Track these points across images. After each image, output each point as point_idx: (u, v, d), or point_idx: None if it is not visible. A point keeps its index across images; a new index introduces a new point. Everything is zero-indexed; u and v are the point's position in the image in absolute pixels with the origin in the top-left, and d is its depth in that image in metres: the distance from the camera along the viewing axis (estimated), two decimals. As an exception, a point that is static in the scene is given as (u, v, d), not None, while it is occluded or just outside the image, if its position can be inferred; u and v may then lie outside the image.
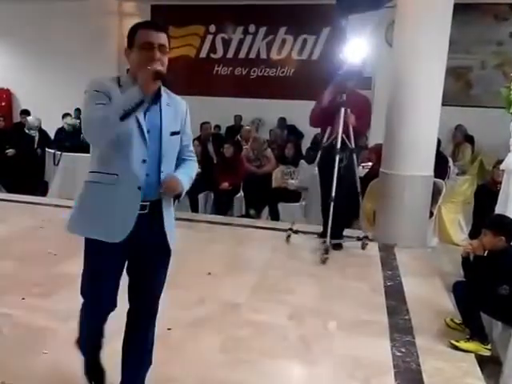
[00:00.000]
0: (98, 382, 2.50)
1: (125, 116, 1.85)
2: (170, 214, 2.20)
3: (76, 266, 4.11)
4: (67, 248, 4.60)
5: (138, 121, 1.99)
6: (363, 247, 4.87)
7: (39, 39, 11.65)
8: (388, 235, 5.02)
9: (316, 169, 5.04)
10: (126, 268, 2.24)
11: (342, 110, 4.57)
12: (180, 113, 2.22)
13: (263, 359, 2.92)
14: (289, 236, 4.99)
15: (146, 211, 2.08)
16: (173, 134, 2.14)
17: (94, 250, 2.14)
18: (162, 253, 2.24)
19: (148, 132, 2.04)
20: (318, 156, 4.90)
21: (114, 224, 2.04)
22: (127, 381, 2.36)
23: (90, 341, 2.44)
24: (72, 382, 2.62)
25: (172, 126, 2.14)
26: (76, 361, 2.76)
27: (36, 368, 2.71)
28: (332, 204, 4.54)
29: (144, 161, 2.03)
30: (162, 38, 2.09)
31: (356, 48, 4.65)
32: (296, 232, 5.04)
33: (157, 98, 2.10)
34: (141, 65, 1.98)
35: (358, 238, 4.90)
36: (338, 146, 4.55)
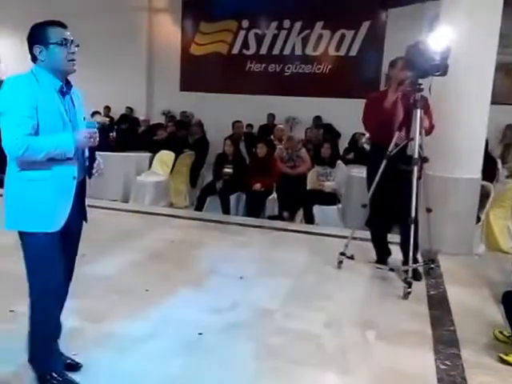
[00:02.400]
0: None
1: (49, 158, 2.27)
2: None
3: (107, 266, 4.24)
4: (95, 249, 4.72)
5: (62, 115, 2.35)
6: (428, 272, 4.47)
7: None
8: (431, 241, 4.93)
9: (363, 174, 4.64)
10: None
11: (418, 111, 3.99)
12: (81, 99, 2.58)
13: (297, 368, 2.90)
14: (341, 262, 4.52)
15: (75, 193, 2.42)
16: (84, 119, 2.54)
17: (39, 243, 2.37)
18: (82, 224, 2.63)
19: (70, 121, 2.40)
20: (381, 167, 4.16)
21: (54, 214, 2.35)
22: None
23: (49, 343, 2.57)
24: (106, 378, 2.67)
25: (81, 111, 2.52)
26: (103, 361, 2.83)
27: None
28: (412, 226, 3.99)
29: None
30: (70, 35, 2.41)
31: (441, 36, 3.95)
32: (350, 258, 4.55)
33: (69, 86, 2.44)
34: (64, 60, 2.34)
35: (425, 262, 4.48)
36: (416, 154, 3.99)
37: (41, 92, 2.29)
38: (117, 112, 11.48)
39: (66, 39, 2.36)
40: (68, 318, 3.27)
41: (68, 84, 2.44)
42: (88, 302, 3.56)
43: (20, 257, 2.48)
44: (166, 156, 7.60)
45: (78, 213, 2.51)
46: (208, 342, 3.13)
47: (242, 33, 11.30)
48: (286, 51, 11.05)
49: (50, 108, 2.31)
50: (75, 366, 2.74)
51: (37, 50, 2.35)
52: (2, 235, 2.65)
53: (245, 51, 11.33)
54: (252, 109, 10.31)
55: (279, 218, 6.16)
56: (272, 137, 8.35)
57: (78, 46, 2.42)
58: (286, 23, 10.96)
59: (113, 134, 8.78)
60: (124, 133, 9.15)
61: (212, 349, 3.05)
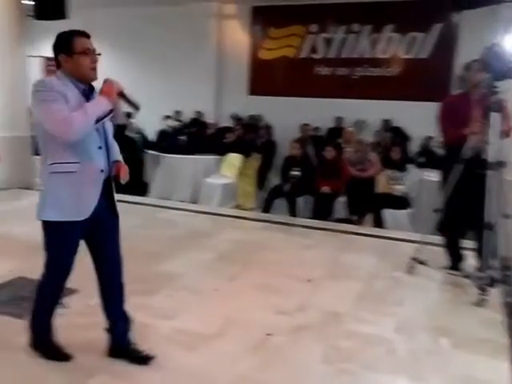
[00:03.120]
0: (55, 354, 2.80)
1: (98, 121, 2.43)
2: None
3: (177, 265, 4.32)
4: (168, 247, 4.83)
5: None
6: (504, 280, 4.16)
7: (139, 44, 12.33)
8: (508, 247, 4.67)
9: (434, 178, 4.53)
10: (87, 238, 2.66)
11: (494, 114, 3.86)
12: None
13: (368, 373, 2.82)
14: (412, 267, 4.38)
15: (103, 188, 2.54)
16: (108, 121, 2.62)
17: (63, 231, 2.53)
18: (115, 217, 2.70)
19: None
20: (455, 171, 4.04)
21: (82, 204, 2.48)
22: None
23: (48, 312, 2.76)
24: (172, 379, 2.70)
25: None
26: (179, 358, 2.87)
27: (138, 365, 2.80)
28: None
29: (100, 147, 2.53)
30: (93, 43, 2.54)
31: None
32: (422, 263, 4.38)
33: (92, 91, 2.56)
34: (88, 68, 2.49)
35: (501, 269, 4.13)
36: (492, 159, 3.86)
37: (67, 90, 2.43)
38: (187, 116, 11.75)
39: (89, 49, 2.50)
40: (140, 313, 3.37)
41: (91, 88, 2.56)
42: (160, 299, 3.65)
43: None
44: (234, 158, 7.69)
45: (108, 208, 2.62)
46: (276, 343, 3.10)
47: (311, 37, 11.28)
48: (355, 54, 10.92)
49: (76, 105, 2.42)
50: (146, 359, 2.79)
51: (62, 58, 2.49)
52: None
53: (313, 55, 11.30)
54: (319, 112, 10.24)
55: (348, 221, 6.06)
56: (340, 140, 8.24)
57: (99, 54, 2.55)
58: (355, 27, 10.85)
59: (183, 138, 8.99)
60: (193, 136, 9.34)
61: (280, 350, 3.02)
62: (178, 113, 11.72)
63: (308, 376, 2.77)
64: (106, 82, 2.56)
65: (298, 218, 6.22)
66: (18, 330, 2.99)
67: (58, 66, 2.53)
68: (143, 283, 3.90)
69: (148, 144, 9.26)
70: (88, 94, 2.53)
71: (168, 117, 10.26)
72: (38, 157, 7.40)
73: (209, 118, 11.07)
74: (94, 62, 2.52)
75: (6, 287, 3.70)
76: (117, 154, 2.74)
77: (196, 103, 11.74)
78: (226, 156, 7.85)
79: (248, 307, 3.59)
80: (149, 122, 9.88)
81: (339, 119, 10.22)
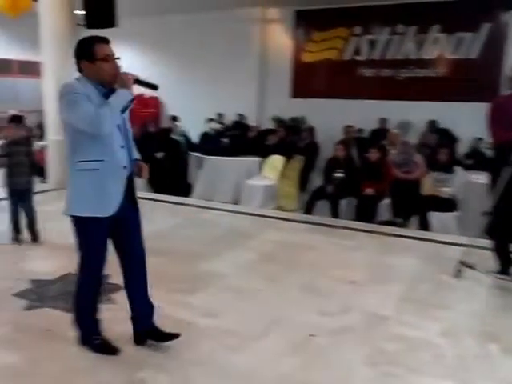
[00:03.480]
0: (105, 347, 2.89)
1: (124, 110, 2.61)
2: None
3: (219, 265, 4.36)
4: (210, 247, 4.88)
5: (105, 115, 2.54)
6: None
7: (184, 49, 12.54)
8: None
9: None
10: (112, 234, 2.79)
11: None
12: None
13: (413, 376, 2.77)
14: (459, 271, 4.27)
15: (126, 184, 2.68)
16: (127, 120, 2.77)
17: (90, 226, 2.66)
18: (136, 213, 2.84)
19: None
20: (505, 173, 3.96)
21: (107, 200, 2.62)
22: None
23: (90, 308, 2.87)
24: (216, 376, 2.73)
25: (124, 115, 2.70)
26: (223, 356, 2.90)
27: (184, 361, 2.85)
28: None
29: (122, 146, 2.67)
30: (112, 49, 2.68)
31: None
32: (470, 267, 4.25)
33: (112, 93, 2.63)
34: (109, 73, 2.60)
35: None
36: None
37: (89, 92, 2.58)
38: (229, 119, 11.86)
39: (109, 55, 2.62)
40: (184, 311, 3.44)
41: (112, 91, 2.62)
42: (203, 298, 3.69)
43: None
44: (276, 160, 7.70)
45: (130, 202, 2.76)
46: (319, 343, 3.08)
47: (354, 39, 11.20)
48: (400, 56, 10.77)
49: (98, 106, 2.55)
50: (171, 336, 2.94)
51: (84, 64, 2.62)
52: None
53: (356, 57, 11.21)
54: (363, 113, 10.14)
55: (392, 223, 5.97)
56: (385, 141, 8.13)
57: (118, 58, 2.66)
58: (400, 28, 10.71)
59: (225, 140, 9.07)
60: (235, 138, 9.40)
61: (324, 351, 3.01)
62: (220, 115, 11.84)
63: (352, 378, 2.75)
64: (118, 76, 2.66)
65: (341, 220, 6.17)
66: (70, 323, 3.09)
67: (80, 70, 2.67)
68: (186, 282, 3.97)
69: (192, 146, 9.39)
70: (109, 96, 2.61)
71: (211, 119, 10.37)
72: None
73: (251, 121, 11.12)
74: (115, 67, 2.64)
75: (58, 282, 3.83)
76: (135, 153, 2.84)
77: (238, 106, 11.84)
78: (268, 158, 7.87)
79: (291, 308, 3.58)
80: (193, 125, 10.04)
81: (383, 120, 10.09)
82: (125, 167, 2.68)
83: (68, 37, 7.12)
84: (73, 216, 2.68)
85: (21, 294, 3.62)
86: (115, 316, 3.25)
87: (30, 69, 12.05)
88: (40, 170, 7.13)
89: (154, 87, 2.91)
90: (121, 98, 2.59)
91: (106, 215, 2.62)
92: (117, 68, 2.65)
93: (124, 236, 2.82)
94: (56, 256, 4.47)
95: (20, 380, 2.60)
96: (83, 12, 7.13)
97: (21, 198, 4.78)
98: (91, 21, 7.09)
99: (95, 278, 2.83)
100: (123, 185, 2.67)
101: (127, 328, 3.02)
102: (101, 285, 2.90)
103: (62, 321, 3.20)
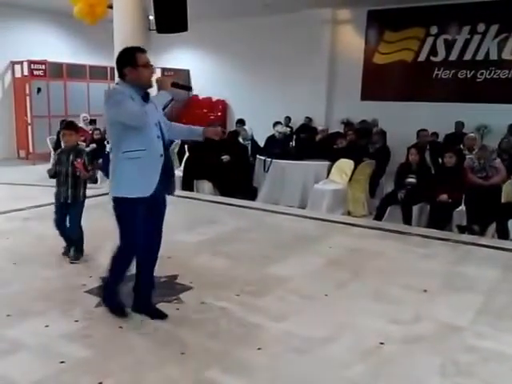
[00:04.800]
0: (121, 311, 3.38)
1: (164, 108, 3.19)
2: None
3: (286, 269, 4.39)
4: (277, 250, 4.92)
5: (146, 114, 3.01)
6: None
7: (252, 53, 12.72)
8: None
9: None
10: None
11: None
12: (156, 104, 3.17)
13: (490, 391, 2.68)
14: None
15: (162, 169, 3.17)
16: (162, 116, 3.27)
17: (132, 205, 3.12)
18: (165, 201, 3.36)
19: (156, 125, 3.16)
20: None
21: (148, 183, 3.10)
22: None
23: (120, 278, 3.35)
24: (282, 379, 2.75)
25: (159, 112, 3.19)
26: (289, 360, 2.92)
27: (251, 362, 2.90)
28: None
29: (158, 136, 3.15)
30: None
31: None
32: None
33: (147, 97, 3.17)
34: (148, 78, 3.14)
35: None
36: None
37: (131, 94, 3.06)
38: (296, 122, 11.89)
39: (148, 63, 3.14)
40: (251, 313, 3.49)
41: (147, 94, 3.16)
42: (270, 301, 3.72)
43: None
44: (344, 164, 7.62)
45: (164, 186, 3.21)
46: (390, 352, 3.04)
47: (430, 39, 10.95)
48: (479, 56, 10.42)
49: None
50: (162, 314, 3.37)
51: (128, 70, 3.09)
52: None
53: (432, 58, 10.95)
54: (437, 117, 9.89)
55: (469, 229, 5.76)
56: (461, 146, 7.88)
57: (152, 65, 3.18)
58: (481, 27, 10.36)
59: (292, 144, 9.09)
60: (303, 142, 9.40)
61: (394, 359, 2.96)
62: (288, 119, 11.90)
63: (423, 388, 2.70)
64: (158, 81, 3.19)
65: (414, 227, 6.03)
66: (139, 321, 3.24)
67: (121, 76, 3.14)
68: (253, 285, 4.02)
69: (258, 149, 9.48)
70: (145, 98, 3.14)
71: (278, 122, 10.42)
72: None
73: (319, 124, 11.10)
74: (152, 73, 3.18)
75: (128, 282, 3.97)
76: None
77: (307, 109, 11.87)
78: (336, 162, 7.81)
79: (359, 314, 3.55)
80: (261, 128, 10.14)
81: (460, 124, 9.78)
82: (161, 155, 3.15)
83: (139, 42, 7.38)
84: (118, 197, 3.13)
85: (93, 292, 3.79)
86: (183, 316, 3.36)
87: (101, 73, 12.68)
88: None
89: (188, 88, 3.56)
90: (161, 98, 3.15)
91: (147, 195, 3.10)
92: (153, 74, 3.18)
93: (154, 214, 3.27)
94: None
95: (92, 373, 2.74)
96: (154, 17, 7.38)
97: (66, 210, 4.49)
98: (162, 25, 7.33)
99: (131, 252, 3.26)
100: (159, 170, 3.14)
101: (195, 327, 3.11)
102: (131, 261, 3.30)
103: (133, 318, 3.34)
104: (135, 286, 3.42)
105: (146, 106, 3.08)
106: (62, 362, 2.82)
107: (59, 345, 3.01)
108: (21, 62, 11.82)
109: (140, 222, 3.18)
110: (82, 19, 7.56)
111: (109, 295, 3.41)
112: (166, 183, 3.23)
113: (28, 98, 11.84)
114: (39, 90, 11.81)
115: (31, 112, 11.81)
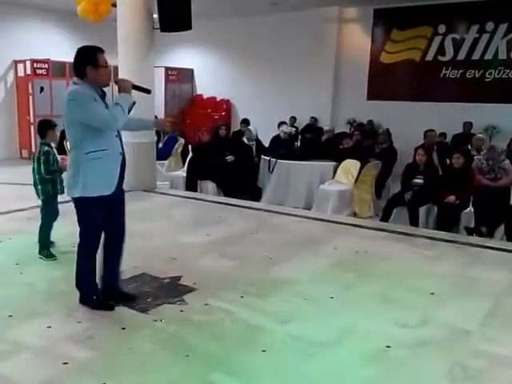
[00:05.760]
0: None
1: (129, 111, 3.30)
2: None
3: (291, 271, 4.38)
4: (281, 252, 4.91)
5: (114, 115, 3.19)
6: None
7: (257, 52, 12.69)
8: None
9: None
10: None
11: None
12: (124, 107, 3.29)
13: (499, 396, 2.67)
14: None
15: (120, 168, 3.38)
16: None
17: (93, 204, 3.27)
18: (123, 195, 3.55)
19: None
20: None
21: (109, 180, 3.29)
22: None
23: (91, 274, 3.50)
24: (292, 381, 2.75)
25: None
26: (294, 363, 2.91)
27: (256, 365, 2.89)
28: None
29: (116, 135, 3.35)
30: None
31: None
32: None
33: (105, 94, 3.34)
34: (107, 78, 3.31)
35: None
36: None
37: (93, 94, 3.19)
38: (302, 122, 11.87)
39: (107, 63, 3.26)
40: (256, 315, 3.48)
41: (103, 92, 3.32)
42: (275, 303, 3.72)
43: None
44: (350, 165, 7.61)
45: (120, 181, 3.40)
46: (397, 355, 3.03)
47: (438, 38, 10.90)
48: (488, 56, 10.37)
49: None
50: (130, 297, 3.64)
51: (89, 69, 3.19)
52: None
53: (440, 57, 10.90)
54: (445, 117, 9.86)
55: (476, 231, 5.74)
56: (469, 146, 7.85)
57: (109, 66, 3.31)
58: (489, 26, 10.31)
59: (297, 144, 9.08)
60: (308, 142, 9.38)
61: (401, 363, 2.95)
62: (294, 119, 11.88)
63: (431, 393, 2.68)
64: (118, 82, 3.34)
65: (421, 228, 6.01)
66: (142, 322, 3.23)
67: (80, 74, 3.22)
68: (258, 286, 4.02)
69: (262, 150, 9.46)
70: (103, 96, 3.29)
71: (282, 123, 10.41)
72: (160, 161, 7.78)
73: (324, 124, 11.09)
74: (110, 73, 3.36)
75: (131, 283, 3.98)
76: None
77: (312, 109, 11.85)
78: (342, 162, 7.80)
79: (365, 317, 3.54)
80: (266, 128, 10.13)
81: (468, 124, 9.75)
82: (120, 153, 3.36)
83: (144, 40, 7.42)
84: (83, 197, 3.25)
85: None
86: (187, 317, 3.36)
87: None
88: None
89: (147, 91, 3.55)
90: (126, 101, 3.27)
91: (109, 193, 3.28)
92: (110, 73, 3.35)
93: (114, 212, 3.45)
94: (131, 257, 4.65)
95: (95, 374, 2.74)
96: (157, 15, 7.39)
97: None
98: (166, 24, 7.33)
99: (94, 247, 3.42)
100: (119, 167, 3.35)
101: (199, 329, 3.10)
102: (96, 253, 3.46)
103: (136, 320, 3.35)
104: (103, 274, 3.58)
105: (109, 106, 3.24)
106: (65, 364, 2.82)
107: (62, 346, 3.02)
108: (23, 61, 11.84)
109: (101, 220, 3.36)
110: (85, 18, 7.56)
111: (86, 293, 3.54)
112: (122, 179, 3.42)
113: (31, 97, 11.85)
114: (42, 89, 11.82)
115: (34, 111, 11.82)
